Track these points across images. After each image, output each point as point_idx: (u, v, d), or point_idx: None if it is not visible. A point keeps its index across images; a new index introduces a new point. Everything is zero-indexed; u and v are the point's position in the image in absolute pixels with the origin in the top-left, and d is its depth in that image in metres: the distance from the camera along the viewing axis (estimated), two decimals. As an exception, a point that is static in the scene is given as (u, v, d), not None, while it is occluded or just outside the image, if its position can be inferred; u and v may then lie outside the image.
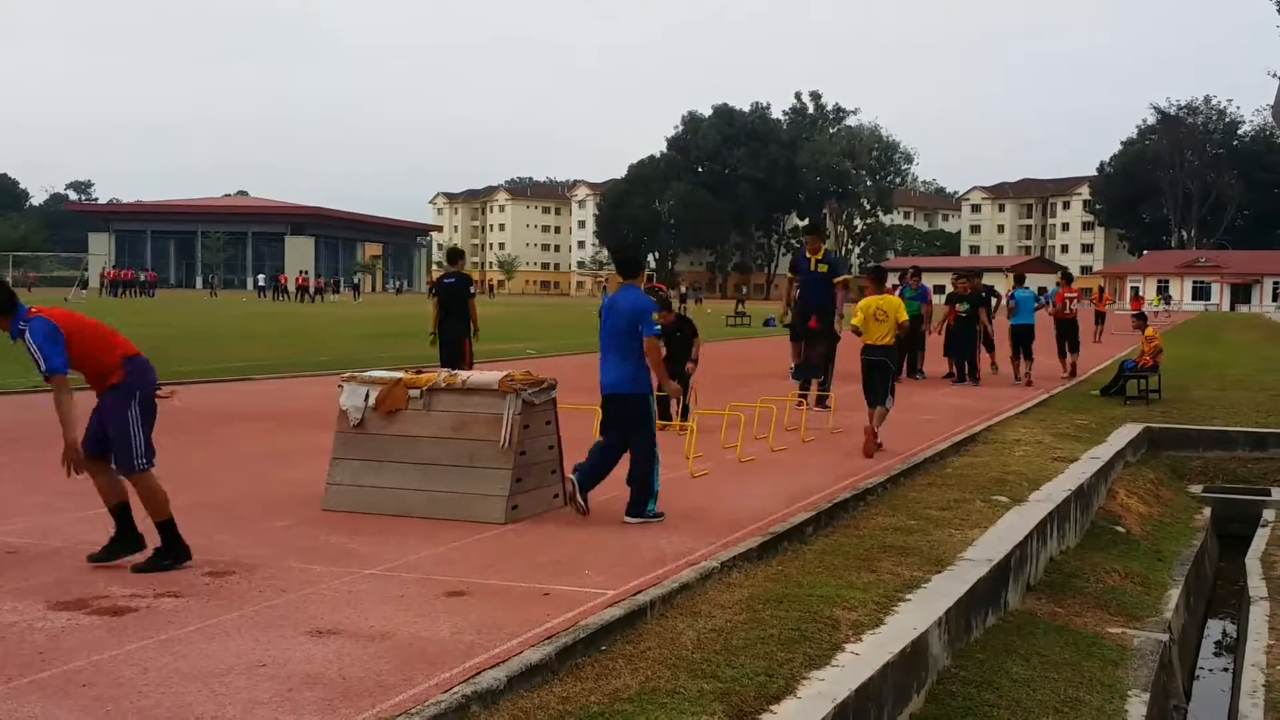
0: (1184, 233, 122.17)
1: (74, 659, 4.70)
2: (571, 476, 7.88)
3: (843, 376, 18.58)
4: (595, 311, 13.43)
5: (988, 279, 30.61)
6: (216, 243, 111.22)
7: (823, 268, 14.46)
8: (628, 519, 7.78)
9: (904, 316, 11.43)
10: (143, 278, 79.92)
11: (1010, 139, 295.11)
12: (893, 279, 22.85)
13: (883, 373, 11.28)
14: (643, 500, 7.86)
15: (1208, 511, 13.12)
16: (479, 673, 4.59)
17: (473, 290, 14.29)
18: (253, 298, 76.99)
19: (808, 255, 14.63)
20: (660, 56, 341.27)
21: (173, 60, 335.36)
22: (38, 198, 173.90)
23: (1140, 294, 72.44)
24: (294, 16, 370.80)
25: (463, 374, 8.01)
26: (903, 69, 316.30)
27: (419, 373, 8.15)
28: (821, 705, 4.66)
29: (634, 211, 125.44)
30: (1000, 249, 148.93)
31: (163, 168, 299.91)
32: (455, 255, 14.78)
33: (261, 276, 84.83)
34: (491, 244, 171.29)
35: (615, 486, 9.02)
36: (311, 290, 75.26)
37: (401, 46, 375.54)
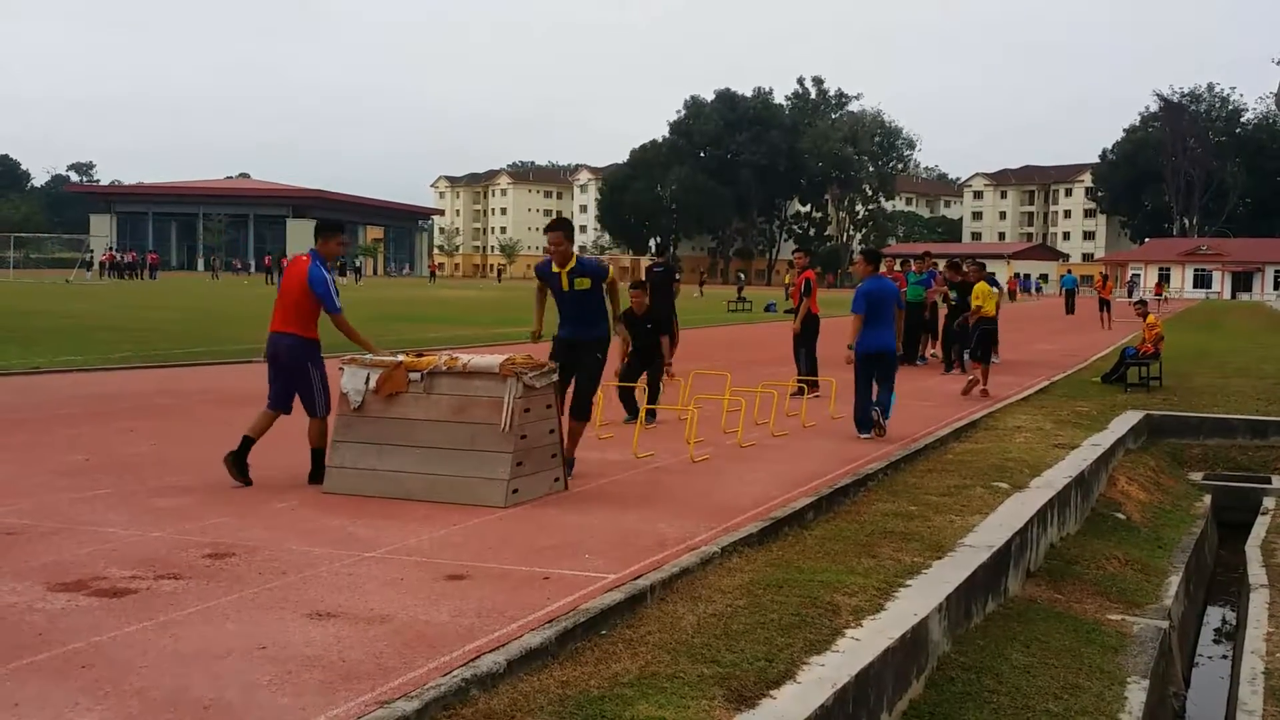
0: (1186, 220, 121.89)
1: (73, 640, 4.70)
2: (879, 423, 11.13)
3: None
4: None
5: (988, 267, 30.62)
6: (218, 225, 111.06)
7: (582, 283, 9.05)
8: (885, 423, 11.21)
9: (995, 299, 16.47)
10: (128, 259, 79.44)
11: (1013, 126, 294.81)
12: (893, 265, 22.83)
13: (993, 336, 16.18)
14: (886, 411, 11.30)
15: (1208, 499, 13.12)
16: (478, 656, 4.58)
17: (678, 278, 16.39)
18: (256, 281, 76.86)
19: (555, 270, 9.07)
20: (663, 41, 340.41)
21: (174, 40, 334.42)
22: (39, 179, 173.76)
23: (1165, 280, 72.40)
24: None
25: (464, 357, 8.00)
26: (905, 55, 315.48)
27: (420, 356, 8.13)
28: (821, 690, 4.66)
29: (636, 196, 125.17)
30: (1002, 236, 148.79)
31: (164, 149, 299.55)
32: (662, 249, 19.06)
33: (238, 259, 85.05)
34: (493, 228, 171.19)
35: (613, 470, 9.02)
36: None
37: (404, 28, 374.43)
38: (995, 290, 16.97)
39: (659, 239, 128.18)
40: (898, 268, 21.11)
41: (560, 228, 9.06)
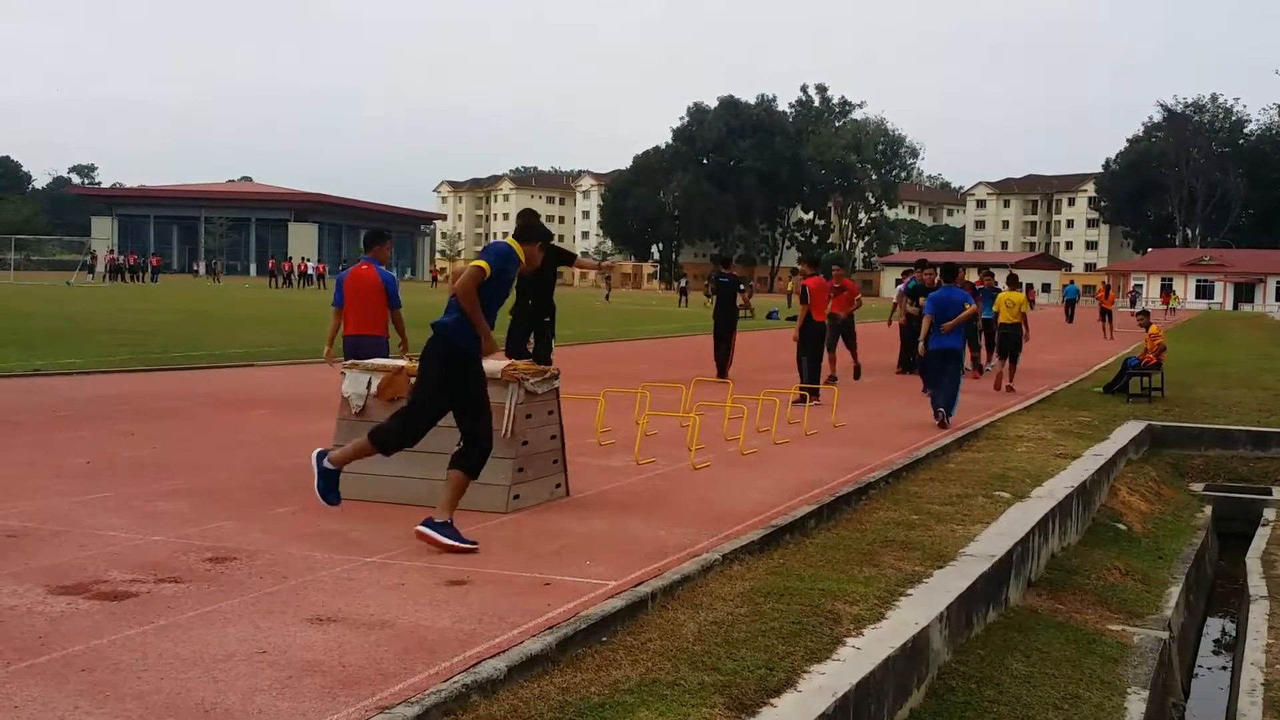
0: (1188, 231, 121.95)
1: (73, 644, 4.69)
2: (941, 411, 12.90)
3: (845, 369, 18.56)
4: (596, 303, 14.78)
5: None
6: (219, 229, 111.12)
7: None
8: (949, 419, 12.85)
9: (1027, 309, 18.37)
10: (129, 261, 79.34)
11: (1016, 135, 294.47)
12: (896, 273, 22.94)
13: (1013, 339, 18.01)
14: (952, 407, 13.04)
15: (1209, 510, 13.12)
16: (479, 662, 4.57)
17: (742, 288, 18.54)
18: (261, 284, 76.93)
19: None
20: (667, 47, 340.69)
21: (176, 43, 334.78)
22: (40, 181, 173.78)
23: (1169, 289, 72.29)
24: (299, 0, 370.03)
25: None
26: (909, 63, 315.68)
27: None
28: (822, 699, 4.65)
29: (638, 202, 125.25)
30: (1005, 245, 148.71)
31: (166, 152, 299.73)
32: (726, 260, 19.13)
33: (205, 262, 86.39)
34: (495, 233, 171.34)
35: (617, 477, 9.03)
36: (296, 276, 75.37)
37: (406, 32, 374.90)
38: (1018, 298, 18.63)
39: (660, 245, 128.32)
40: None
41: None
